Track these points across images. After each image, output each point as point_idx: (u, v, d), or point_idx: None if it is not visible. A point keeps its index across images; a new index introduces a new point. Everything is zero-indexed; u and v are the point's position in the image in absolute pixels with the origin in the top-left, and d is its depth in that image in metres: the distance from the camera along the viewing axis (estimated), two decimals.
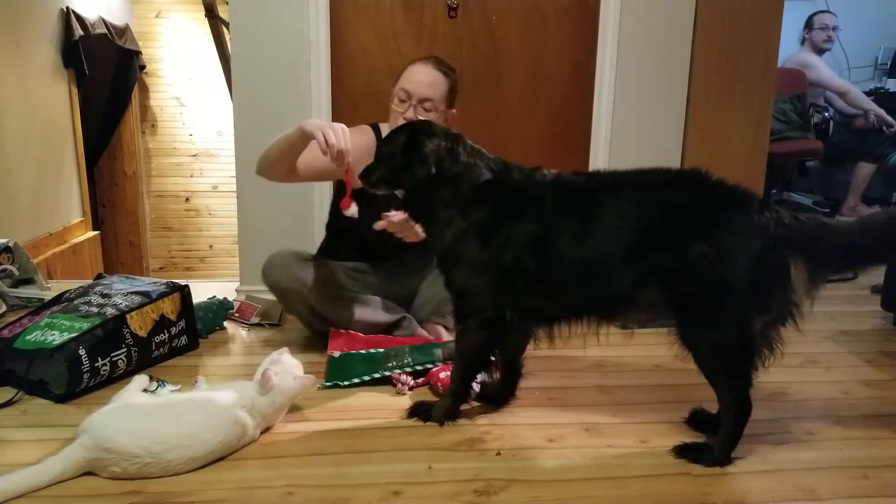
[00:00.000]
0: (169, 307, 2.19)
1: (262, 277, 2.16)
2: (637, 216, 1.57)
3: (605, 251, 1.58)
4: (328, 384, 2.00)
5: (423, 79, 2.06)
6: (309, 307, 2.17)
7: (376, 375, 2.01)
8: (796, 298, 1.52)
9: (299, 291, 2.14)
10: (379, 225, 1.99)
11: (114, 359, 1.97)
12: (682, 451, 1.63)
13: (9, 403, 1.85)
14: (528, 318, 1.75)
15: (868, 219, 1.69)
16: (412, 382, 1.99)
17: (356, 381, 2.00)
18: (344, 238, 2.35)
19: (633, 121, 2.78)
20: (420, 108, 2.06)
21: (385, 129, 2.17)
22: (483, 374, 1.86)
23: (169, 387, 1.96)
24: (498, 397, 1.90)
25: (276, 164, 2.03)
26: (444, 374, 1.91)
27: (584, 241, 1.60)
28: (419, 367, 2.03)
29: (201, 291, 2.56)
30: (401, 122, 2.02)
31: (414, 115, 2.05)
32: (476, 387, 1.87)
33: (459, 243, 1.68)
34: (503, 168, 1.73)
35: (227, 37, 3.08)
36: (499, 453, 1.64)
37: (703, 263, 1.51)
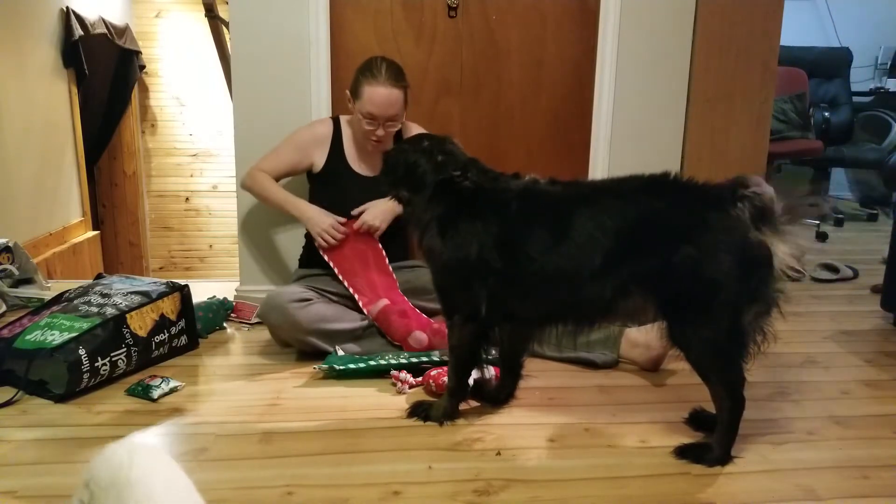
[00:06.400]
0: (169, 307, 2.19)
1: (259, 315, 2.26)
2: (614, 227, 1.57)
3: (580, 261, 1.59)
4: (324, 366, 2.02)
5: (384, 100, 2.20)
6: (301, 342, 2.18)
7: (371, 363, 2.03)
8: (780, 286, 1.54)
9: (293, 334, 2.16)
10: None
11: (114, 359, 1.97)
12: (683, 453, 1.63)
13: (9, 403, 1.86)
14: (509, 319, 1.77)
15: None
16: (412, 381, 1.99)
17: (352, 366, 2.02)
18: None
19: (633, 120, 2.78)
20: (387, 124, 2.25)
21: (344, 123, 2.42)
22: (476, 371, 1.86)
23: (172, 383, 1.96)
24: (498, 397, 1.91)
25: (262, 201, 2.47)
26: (436, 373, 1.93)
27: (558, 250, 1.61)
28: (414, 360, 2.04)
29: (201, 291, 2.57)
30: (372, 139, 2.27)
31: (383, 132, 2.25)
32: (469, 381, 1.87)
33: (426, 237, 1.75)
34: (467, 169, 1.75)
35: (227, 37, 3.07)
36: (499, 453, 1.64)
37: (689, 266, 1.52)
